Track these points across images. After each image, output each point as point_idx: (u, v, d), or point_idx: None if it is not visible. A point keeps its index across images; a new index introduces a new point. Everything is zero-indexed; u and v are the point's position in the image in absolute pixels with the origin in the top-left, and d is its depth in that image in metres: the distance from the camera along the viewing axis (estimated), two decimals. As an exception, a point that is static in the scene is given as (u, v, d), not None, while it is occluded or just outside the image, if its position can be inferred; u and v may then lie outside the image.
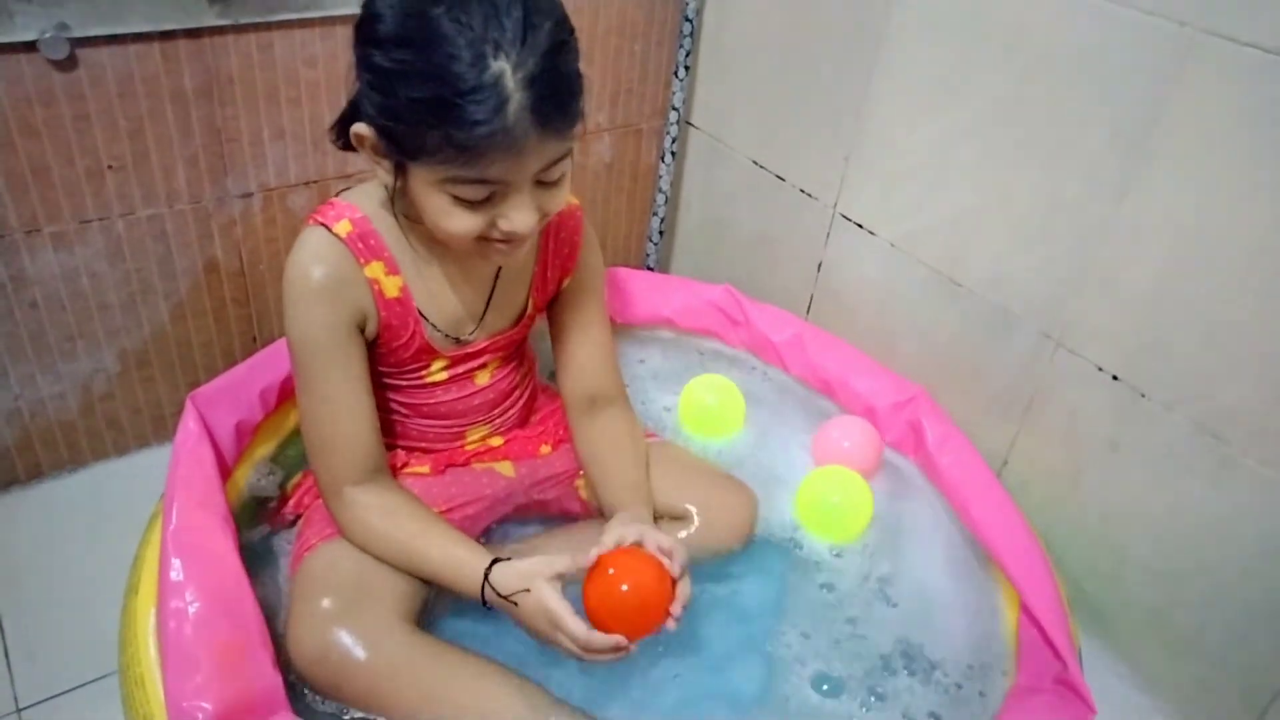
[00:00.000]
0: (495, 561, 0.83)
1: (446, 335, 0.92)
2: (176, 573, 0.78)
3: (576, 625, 0.78)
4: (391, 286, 0.87)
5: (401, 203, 0.85)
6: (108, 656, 0.85)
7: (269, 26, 1.06)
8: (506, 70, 0.70)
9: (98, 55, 0.98)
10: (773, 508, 1.05)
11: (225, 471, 0.94)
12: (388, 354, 0.91)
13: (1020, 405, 1.09)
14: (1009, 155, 1.02)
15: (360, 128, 0.78)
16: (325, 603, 0.81)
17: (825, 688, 0.89)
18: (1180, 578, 0.97)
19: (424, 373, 0.94)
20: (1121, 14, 0.89)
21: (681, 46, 1.36)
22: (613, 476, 0.96)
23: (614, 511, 0.92)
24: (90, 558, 1.06)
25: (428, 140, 0.73)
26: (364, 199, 0.87)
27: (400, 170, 0.78)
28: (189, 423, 0.92)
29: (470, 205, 0.76)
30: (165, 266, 1.12)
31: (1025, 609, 0.92)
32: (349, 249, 0.85)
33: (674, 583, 0.82)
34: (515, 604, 0.80)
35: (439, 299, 0.91)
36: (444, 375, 0.95)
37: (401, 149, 0.76)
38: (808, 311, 1.34)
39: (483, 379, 0.98)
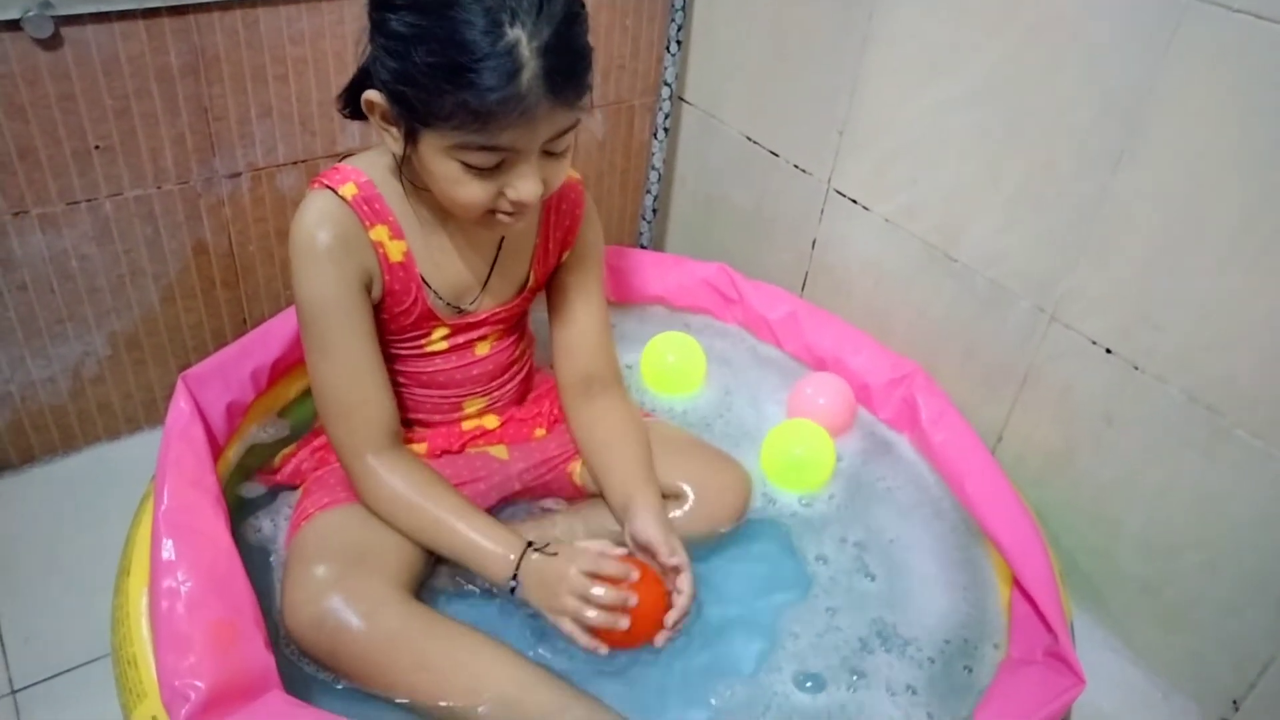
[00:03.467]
0: (527, 550, 0.85)
1: (448, 303, 0.93)
2: (168, 553, 0.77)
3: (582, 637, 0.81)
4: (395, 250, 0.88)
5: (409, 170, 0.85)
6: (101, 638, 0.85)
7: (254, 3, 1.04)
8: (522, 38, 0.71)
9: (82, 33, 0.97)
10: (742, 462, 1.08)
11: (217, 452, 0.94)
12: (390, 320, 0.91)
13: (1015, 380, 1.08)
14: (1002, 128, 1.01)
15: (372, 94, 0.79)
16: (321, 570, 0.82)
17: (809, 684, 0.88)
18: (1172, 550, 0.97)
19: (424, 341, 0.94)
20: (1115, -17, 0.88)
21: (673, 21, 1.35)
22: (620, 466, 0.95)
23: (625, 502, 0.91)
24: (83, 540, 1.06)
25: (441, 105, 0.73)
26: (369, 165, 0.88)
27: (410, 137, 0.79)
28: (180, 402, 0.91)
29: (479, 173, 0.78)
30: (154, 248, 1.12)
31: (1018, 583, 0.93)
32: (354, 211, 0.86)
33: (668, 600, 0.85)
34: (552, 554, 0.84)
35: (442, 266, 0.91)
36: (444, 344, 0.95)
37: (413, 114, 0.76)
38: (802, 288, 1.34)
39: (482, 349, 0.98)
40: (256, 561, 0.91)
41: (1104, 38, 0.90)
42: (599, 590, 0.81)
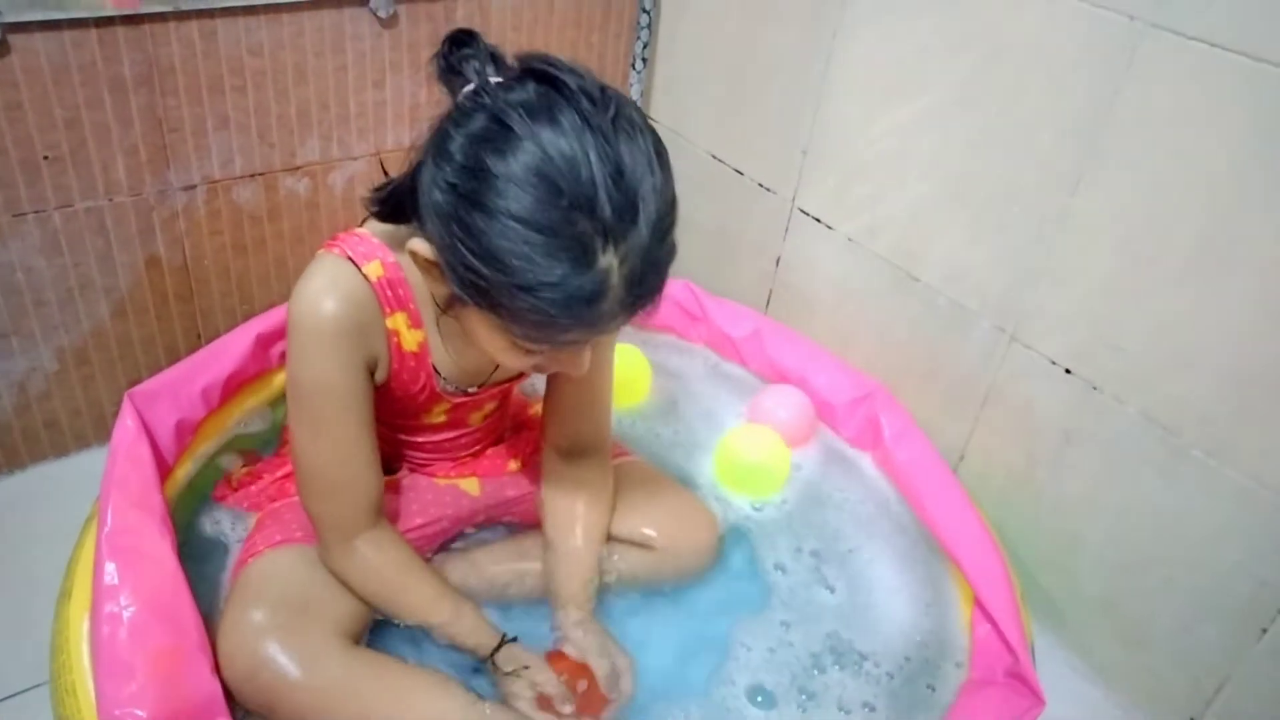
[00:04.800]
0: (500, 646, 0.84)
1: (456, 387, 0.89)
2: (111, 576, 0.75)
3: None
4: (411, 340, 0.82)
5: (447, 305, 0.74)
6: (40, 665, 0.81)
7: (212, 14, 1.03)
8: (613, 266, 0.64)
9: (31, 41, 0.94)
10: (698, 470, 1.10)
11: (165, 472, 0.91)
12: (393, 400, 0.87)
13: (976, 399, 1.09)
14: (964, 149, 1.02)
15: (420, 246, 0.69)
16: (258, 615, 0.77)
17: (760, 699, 0.88)
18: (1131, 568, 0.97)
19: (424, 415, 0.91)
20: (1073, 6, 0.89)
21: (639, 39, 1.35)
22: (566, 564, 0.92)
23: (561, 595, 0.90)
24: (25, 563, 1.02)
25: (506, 304, 0.65)
26: (397, 242, 0.78)
27: (460, 301, 0.70)
28: (126, 421, 0.89)
29: (529, 351, 0.72)
30: (105, 261, 1.09)
31: (979, 603, 0.93)
32: (376, 295, 0.78)
33: (605, 701, 0.84)
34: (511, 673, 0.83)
35: (456, 358, 0.86)
36: (443, 418, 0.93)
37: (468, 295, 0.67)
38: (766, 306, 1.34)
39: (476, 420, 0.96)
40: (206, 586, 0.89)
41: (1064, 61, 0.91)
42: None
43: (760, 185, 1.29)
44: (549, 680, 0.82)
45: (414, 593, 0.84)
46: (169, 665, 0.71)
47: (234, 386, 1.02)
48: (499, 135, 0.64)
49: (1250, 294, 0.83)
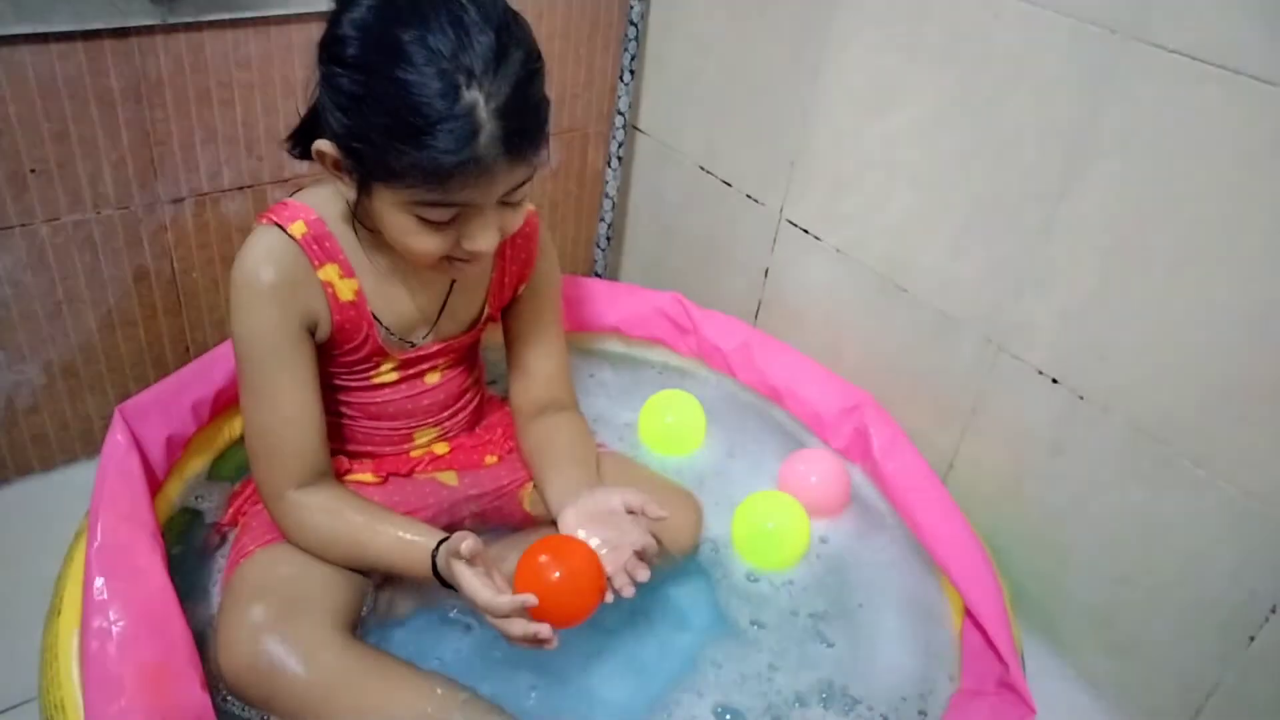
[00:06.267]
0: (443, 541, 0.81)
1: (400, 339, 0.91)
2: (100, 591, 0.74)
3: (480, 591, 0.76)
4: (346, 289, 0.86)
5: (361, 213, 0.84)
6: (29, 681, 0.81)
7: (200, 27, 1.03)
8: (479, 100, 0.71)
9: (17, 54, 0.94)
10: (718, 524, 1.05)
11: (155, 486, 0.91)
12: (339, 355, 0.90)
13: (964, 410, 1.10)
14: (951, 159, 1.03)
15: (323, 144, 0.77)
16: (257, 610, 0.79)
17: (728, 718, 0.87)
18: (1120, 578, 0.98)
19: (373, 374, 0.92)
20: (1056, 20, 0.90)
21: (626, 50, 1.35)
22: (563, 457, 0.94)
23: (574, 486, 0.90)
24: (12, 578, 1.01)
25: (395, 164, 0.72)
26: (319, 201, 0.86)
27: (363, 188, 0.78)
28: (116, 435, 0.88)
29: (435, 226, 0.77)
30: (93, 274, 1.08)
31: (969, 613, 0.93)
32: (303, 250, 0.84)
33: (603, 575, 0.81)
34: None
35: (394, 303, 0.89)
36: (394, 375, 0.93)
37: (366, 170, 0.75)
38: (755, 318, 1.34)
39: (433, 379, 0.96)
40: (196, 600, 0.88)
41: (1048, 73, 0.92)
42: (474, 598, 0.77)
43: (748, 197, 1.29)
44: (471, 584, 0.77)
45: (355, 515, 0.84)
46: (159, 680, 0.71)
47: (223, 402, 1.02)
48: (356, 4, 0.73)
49: (1235, 303, 0.84)
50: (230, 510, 0.95)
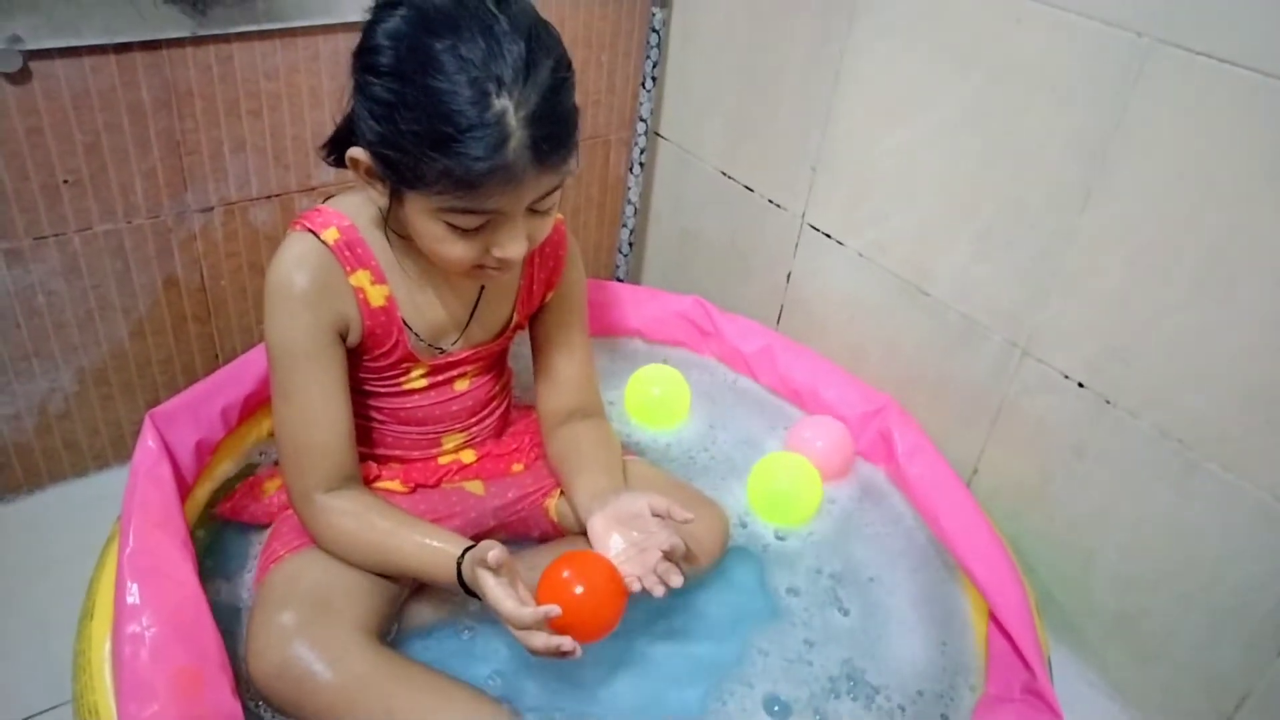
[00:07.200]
0: (469, 549, 0.82)
1: (429, 345, 0.92)
2: (133, 597, 0.75)
3: (504, 601, 0.76)
4: (377, 295, 0.87)
5: (393, 220, 0.85)
6: (62, 685, 0.82)
7: (228, 39, 1.04)
8: (509, 108, 0.72)
9: (51, 67, 0.96)
10: (729, 494, 1.10)
11: (185, 491, 0.92)
12: (369, 361, 0.91)
13: (989, 414, 1.09)
14: (973, 163, 1.03)
15: (356, 152, 0.79)
16: (286, 616, 0.80)
17: (776, 709, 0.88)
18: (1147, 583, 0.97)
19: (403, 379, 0.93)
20: (1080, 24, 0.90)
21: (648, 58, 1.36)
22: (589, 463, 0.95)
23: (591, 500, 0.90)
24: (46, 583, 1.03)
25: (426, 171, 0.73)
26: (352, 208, 0.87)
27: (395, 195, 0.79)
28: (148, 441, 0.90)
29: (465, 233, 0.78)
30: (123, 283, 1.10)
31: (994, 618, 0.92)
32: (335, 256, 0.85)
33: (625, 591, 0.82)
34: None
35: (424, 309, 0.91)
36: (423, 382, 0.94)
37: (399, 177, 0.76)
38: (778, 322, 1.34)
39: (462, 385, 0.97)
40: (225, 606, 0.89)
41: (1072, 77, 0.92)
42: (499, 608, 0.77)
43: (770, 202, 1.29)
44: (495, 593, 0.77)
45: (381, 521, 0.85)
46: (190, 685, 0.72)
47: (252, 406, 1.03)
48: (390, 14, 0.74)
49: (1262, 307, 0.83)
50: (257, 506, 0.96)
